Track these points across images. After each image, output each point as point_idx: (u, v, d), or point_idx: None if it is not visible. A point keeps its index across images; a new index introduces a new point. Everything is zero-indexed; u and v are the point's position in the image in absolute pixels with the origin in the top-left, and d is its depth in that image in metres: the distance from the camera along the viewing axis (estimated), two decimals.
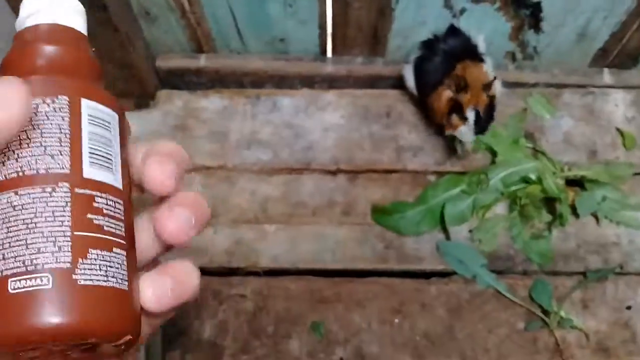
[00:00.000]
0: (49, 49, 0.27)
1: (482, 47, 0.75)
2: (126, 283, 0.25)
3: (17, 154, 0.24)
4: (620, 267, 0.74)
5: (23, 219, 0.24)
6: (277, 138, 0.78)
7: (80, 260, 0.24)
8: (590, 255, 0.75)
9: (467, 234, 0.75)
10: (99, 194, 0.25)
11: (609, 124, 0.82)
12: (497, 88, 0.73)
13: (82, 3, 0.30)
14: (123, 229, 0.26)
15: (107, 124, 0.27)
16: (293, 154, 0.77)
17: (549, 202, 0.76)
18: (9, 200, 0.24)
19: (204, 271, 0.72)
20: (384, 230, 0.74)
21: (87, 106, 0.26)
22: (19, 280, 0.23)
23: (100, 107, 0.27)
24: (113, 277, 0.25)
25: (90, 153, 0.26)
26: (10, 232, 0.23)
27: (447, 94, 0.72)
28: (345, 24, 0.77)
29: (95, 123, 0.27)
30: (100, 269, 0.24)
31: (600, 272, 0.73)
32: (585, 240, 0.75)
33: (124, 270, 0.25)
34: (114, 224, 0.26)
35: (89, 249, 0.24)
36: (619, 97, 0.83)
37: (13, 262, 0.23)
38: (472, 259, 0.73)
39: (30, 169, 0.24)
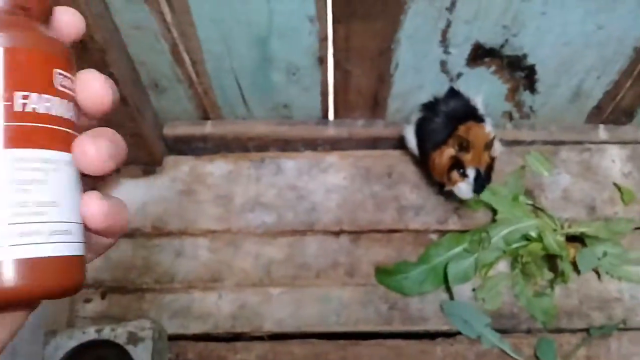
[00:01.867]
0: None
1: (481, 108, 0.77)
2: None
3: None
4: (623, 322, 0.74)
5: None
6: (281, 200, 0.79)
7: None
8: (593, 311, 0.75)
9: (470, 292, 0.75)
10: None
11: (606, 179, 0.83)
12: (497, 147, 0.75)
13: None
14: None
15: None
16: (297, 216, 0.79)
17: (551, 259, 0.77)
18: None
19: (209, 337, 0.73)
20: (388, 291, 0.75)
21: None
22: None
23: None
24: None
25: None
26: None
27: (449, 151, 0.74)
28: (346, 90, 0.79)
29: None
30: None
31: (603, 328, 0.74)
32: (587, 296, 0.76)
33: None
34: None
35: None
36: (615, 153, 0.85)
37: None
38: (476, 318, 0.73)
39: None
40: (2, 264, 0.22)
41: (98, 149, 0.25)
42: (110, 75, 0.68)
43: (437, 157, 0.75)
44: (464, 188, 0.73)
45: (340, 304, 0.74)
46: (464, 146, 0.72)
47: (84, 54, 0.63)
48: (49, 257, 0.23)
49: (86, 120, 0.27)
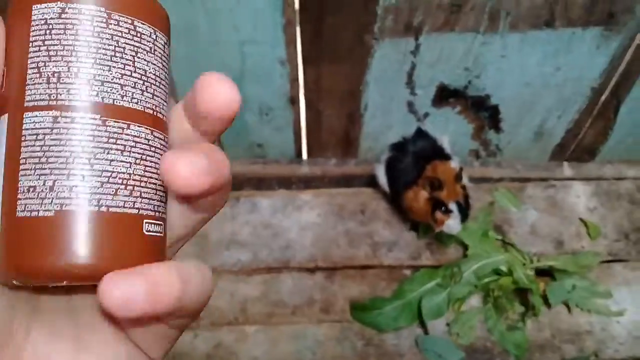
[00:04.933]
0: None
1: (447, 147, 0.80)
2: None
3: (154, 89, 0.23)
4: (595, 355, 0.75)
5: (154, 162, 0.22)
6: (256, 238, 0.80)
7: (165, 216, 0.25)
8: (565, 344, 0.76)
9: (444, 327, 0.76)
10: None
11: (572, 214, 0.86)
12: (465, 180, 0.77)
13: None
14: None
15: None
16: (272, 253, 0.80)
17: (521, 293, 0.78)
18: (147, 138, 0.22)
19: None
20: (363, 327, 0.75)
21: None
22: (150, 224, 0.22)
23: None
24: None
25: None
26: (147, 171, 0.22)
27: (423, 194, 0.75)
28: (318, 130, 0.82)
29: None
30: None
31: None
32: (559, 329, 0.77)
33: None
34: None
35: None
36: (579, 189, 0.88)
37: (148, 204, 0.22)
38: (450, 352, 0.74)
39: (161, 113, 0.23)
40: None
41: (191, 163, 0.20)
42: None
43: (413, 202, 0.76)
44: (452, 224, 0.73)
45: (315, 341, 0.74)
46: (437, 185, 0.73)
47: None
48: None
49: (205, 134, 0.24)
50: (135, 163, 0.22)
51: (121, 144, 0.22)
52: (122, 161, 0.22)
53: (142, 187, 0.22)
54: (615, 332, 0.77)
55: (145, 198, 0.22)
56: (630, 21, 0.68)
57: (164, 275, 0.21)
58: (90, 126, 0.21)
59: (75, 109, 0.21)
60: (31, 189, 0.21)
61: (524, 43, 0.71)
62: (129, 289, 0.20)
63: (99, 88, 0.21)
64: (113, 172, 0.21)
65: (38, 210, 0.21)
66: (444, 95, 0.79)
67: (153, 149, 0.23)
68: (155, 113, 0.23)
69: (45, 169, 0.21)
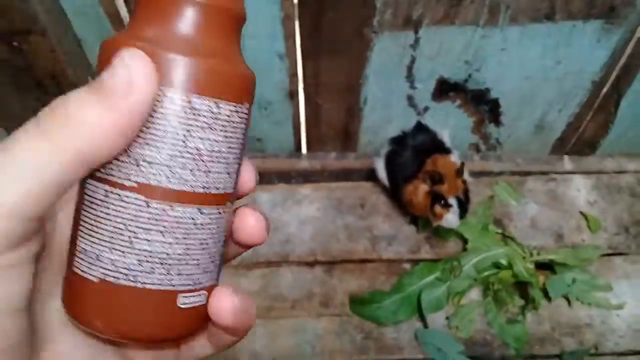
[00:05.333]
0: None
1: (447, 141, 0.80)
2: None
3: (208, 166, 0.23)
4: (595, 348, 0.75)
5: (200, 239, 0.23)
6: None
7: (219, 276, 0.25)
8: (565, 337, 0.76)
9: (444, 320, 0.76)
10: (233, 207, 0.26)
11: (572, 208, 0.86)
12: (466, 174, 0.77)
13: None
14: None
15: None
16: (271, 247, 0.80)
17: (521, 287, 0.78)
18: (193, 217, 0.23)
19: None
20: (363, 321, 0.75)
21: (248, 113, 0.24)
22: (187, 297, 0.24)
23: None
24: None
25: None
26: (189, 249, 0.23)
27: (423, 188, 0.75)
28: (317, 124, 0.82)
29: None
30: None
31: (575, 354, 0.74)
32: (559, 322, 0.77)
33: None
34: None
35: (220, 265, 0.26)
36: (580, 183, 0.88)
37: (185, 279, 0.23)
38: (449, 346, 0.74)
39: (216, 187, 0.23)
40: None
41: (234, 303, 0.25)
42: None
43: (413, 195, 0.76)
44: (450, 218, 0.73)
45: (315, 335, 0.74)
46: (437, 179, 0.73)
47: (57, 90, 0.65)
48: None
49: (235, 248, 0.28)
50: (176, 243, 0.23)
51: (162, 225, 0.22)
52: (161, 242, 0.22)
53: (180, 264, 0.23)
54: (615, 325, 0.77)
55: (184, 274, 0.23)
56: (631, 14, 0.68)
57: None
58: (134, 206, 0.22)
59: (123, 187, 0.22)
60: (84, 251, 0.23)
61: (524, 36, 0.71)
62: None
63: (146, 169, 0.22)
64: (152, 252, 0.22)
65: (86, 272, 0.23)
66: (444, 89, 0.78)
67: (199, 226, 0.23)
68: (207, 190, 0.23)
69: (94, 237, 0.22)
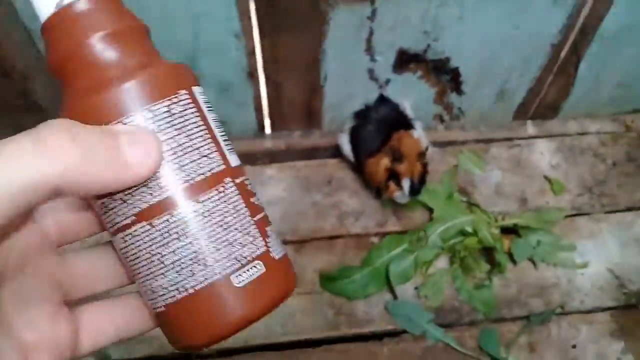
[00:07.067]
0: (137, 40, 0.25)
1: (410, 112, 0.80)
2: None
3: (181, 161, 0.24)
4: (561, 307, 0.78)
5: (215, 222, 0.24)
6: None
7: (267, 240, 0.26)
8: (532, 299, 0.78)
9: (413, 291, 0.77)
10: (244, 177, 0.26)
11: (535, 172, 0.87)
12: (430, 150, 0.78)
13: None
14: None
15: (210, 104, 0.26)
16: None
17: (487, 252, 0.79)
18: (194, 210, 0.24)
19: (156, 357, 0.73)
20: (333, 297, 0.76)
21: (199, 92, 0.25)
22: (240, 274, 0.24)
23: (200, 88, 0.26)
24: (280, 246, 0.27)
25: (224, 141, 0.25)
26: (211, 236, 0.24)
27: (384, 162, 0.76)
28: (279, 103, 0.81)
29: (210, 108, 0.26)
30: (276, 242, 0.26)
31: (542, 314, 0.77)
32: (525, 284, 0.79)
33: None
34: (258, 199, 0.27)
35: (265, 228, 0.26)
36: (543, 146, 0.89)
37: (226, 262, 0.24)
38: (419, 315, 0.75)
39: (199, 174, 0.24)
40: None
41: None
42: (34, 103, 0.68)
43: (374, 165, 0.77)
44: (399, 196, 0.77)
45: (286, 314, 0.75)
46: (397, 157, 0.74)
47: (6, 81, 0.63)
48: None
49: None
50: (195, 239, 0.24)
51: (174, 232, 0.24)
52: (182, 246, 0.24)
53: (212, 253, 0.24)
54: (580, 284, 0.79)
55: (221, 259, 0.24)
56: None
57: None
58: (144, 234, 0.24)
59: (128, 226, 0.24)
60: (144, 293, 0.25)
61: (480, 3, 0.70)
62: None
63: (132, 200, 0.24)
64: (181, 258, 0.24)
65: (157, 308, 0.25)
66: (404, 60, 0.78)
67: (206, 212, 0.24)
68: (190, 182, 0.24)
69: (140, 277, 0.25)
